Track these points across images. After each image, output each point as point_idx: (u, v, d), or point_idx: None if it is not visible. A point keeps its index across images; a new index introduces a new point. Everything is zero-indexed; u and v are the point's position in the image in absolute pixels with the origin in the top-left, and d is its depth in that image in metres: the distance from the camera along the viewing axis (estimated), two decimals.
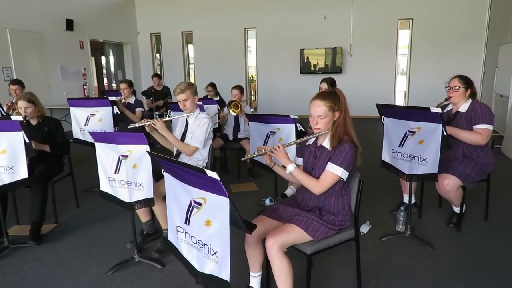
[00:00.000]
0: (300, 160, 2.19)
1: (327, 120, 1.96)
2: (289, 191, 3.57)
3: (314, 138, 2.11)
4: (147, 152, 2.12)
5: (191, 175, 1.57)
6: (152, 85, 7.18)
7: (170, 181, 1.76)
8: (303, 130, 3.31)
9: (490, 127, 2.84)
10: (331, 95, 1.97)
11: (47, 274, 2.53)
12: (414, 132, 2.71)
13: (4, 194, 3.06)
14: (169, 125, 3.19)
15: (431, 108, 2.53)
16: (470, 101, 2.98)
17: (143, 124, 2.90)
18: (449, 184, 2.82)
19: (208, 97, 6.01)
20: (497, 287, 2.26)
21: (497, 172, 3.57)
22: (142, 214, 2.94)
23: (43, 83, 7.88)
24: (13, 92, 4.83)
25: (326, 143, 2.03)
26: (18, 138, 2.73)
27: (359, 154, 2.04)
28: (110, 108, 4.10)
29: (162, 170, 1.79)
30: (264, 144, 3.33)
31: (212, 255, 1.57)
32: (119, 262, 2.60)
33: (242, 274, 2.25)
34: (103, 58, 10.86)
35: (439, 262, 2.56)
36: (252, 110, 4.94)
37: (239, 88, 4.70)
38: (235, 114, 4.36)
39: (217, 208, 1.50)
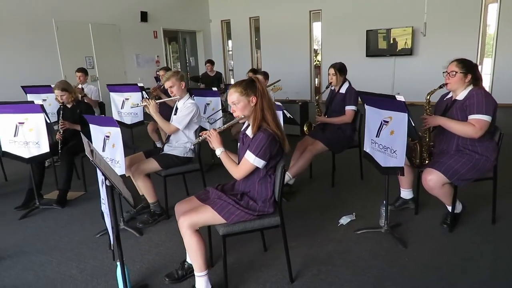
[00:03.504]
0: None
1: (242, 105, 2.00)
2: (285, 178, 3.59)
3: (248, 124, 2.16)
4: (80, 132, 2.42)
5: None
6: (205, 71, 7.62)
7: None
8: (291, 117, 3.30)
9: (485, 117, 2.48)
10: (243, 81, 2.03)
11: (53, 231, 3.07)
12: (387, 121, 2.53)
13: (42, 163, 3.72)
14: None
15: (396, 96, 2.33)
16: (470, 88, 2.63)
17: (142, 105, 3.25)
18: (432, 180, 2.57)
19: None
20: None
21: None
22: (148, 196, 3.15)
23: (120, 70, 8.93)
24: (78, 78, 5.66)
25: (249, 130, 2.08)
26: (41, 118, 3.29)
27: (284, 141, 2.05)
28: (140, 93, 4.58)
29: None
30: None
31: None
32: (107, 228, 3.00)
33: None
34: (176, 46, 11.69)
35: (399, 262, 2.39)
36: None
37: (263, 73, 4.77)
38: None
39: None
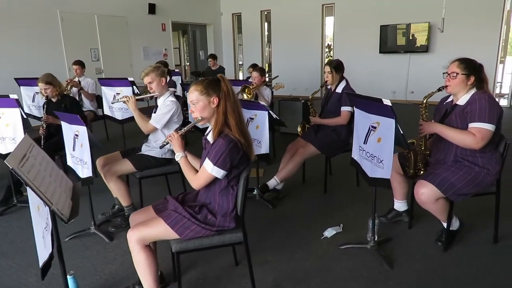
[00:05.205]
0: None
1: (201, 105, 1.79)
2: (272, 182, 3.36)
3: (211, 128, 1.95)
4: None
5: None
6: (208, 65, 7.43)
7: None
8: (278, 118, 3.07)
9: (487, 126, 2.19)
10: (206, 80, 1.81)
11: (23, 232, 2.93)
12: (375, 127, 2.27)
13: None
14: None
15: (383, 99, 2.07)
16: (473, 91, 2.33)
17: (122, 100, 3.09)
18: (424, 194, 2.30)
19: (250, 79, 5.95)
20: None
21: None
22: (122, 199, 2.99)
23: (126, 62, 8.81)
24: (74, 71, 5.54)
25: (210, 135, 1.87)
26: (16, 114, 3.15)
27: (250, 149, 1.83)
28: (131, 88, 4.42)
29: None
30: None
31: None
32: (78, 231, 2.85)
33: None
34: (186, 38, 11.52)
35: (382, 285, 2.14)
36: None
37: (259, 70, 4.53)
38: (247, 98, 4.24)
39: None
